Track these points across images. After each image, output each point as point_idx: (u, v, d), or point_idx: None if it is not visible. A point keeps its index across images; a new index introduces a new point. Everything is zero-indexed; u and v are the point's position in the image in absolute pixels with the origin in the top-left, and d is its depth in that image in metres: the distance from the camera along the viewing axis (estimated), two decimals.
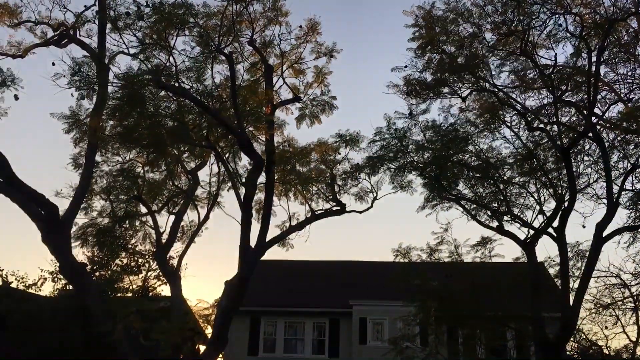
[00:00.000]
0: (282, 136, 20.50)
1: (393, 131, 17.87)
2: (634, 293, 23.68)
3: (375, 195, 22.63)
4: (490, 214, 18.43)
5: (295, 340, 33.97)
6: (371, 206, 22.43)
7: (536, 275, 18.43)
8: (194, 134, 16.64)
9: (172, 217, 21.93)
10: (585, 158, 17.70)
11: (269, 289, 34.55)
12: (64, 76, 15.97)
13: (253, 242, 18.16)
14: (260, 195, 20.99)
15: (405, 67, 16.55)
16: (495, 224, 19.54)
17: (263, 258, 37.69)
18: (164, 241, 21.62)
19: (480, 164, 18.28)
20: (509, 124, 17.98)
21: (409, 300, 22.21)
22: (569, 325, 17.00)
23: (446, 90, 16.55)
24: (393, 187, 22.79)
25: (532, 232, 18.56)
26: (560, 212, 16.74)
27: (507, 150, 18.84)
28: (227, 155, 19.04)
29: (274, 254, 51.22)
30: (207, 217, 21.77)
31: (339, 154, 22.71)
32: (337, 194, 21.94)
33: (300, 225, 21.12)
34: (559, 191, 17.57)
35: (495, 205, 18.55)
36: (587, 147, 17.18)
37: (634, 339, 23.28)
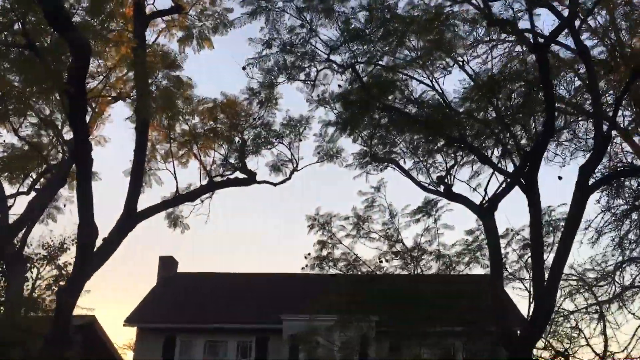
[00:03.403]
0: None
1: None
2: (600, 298, 18.44)
3: (295, 165, 17.19)
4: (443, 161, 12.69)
5: None
6: (289, 178, 16.93)
7: (496, 249, 12.94)
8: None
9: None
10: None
11: (186, 304, 28.28)
12: None
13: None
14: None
15: None
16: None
17: (180, 270, 32.07)
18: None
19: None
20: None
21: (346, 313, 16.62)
22: (543, 310, 11.43)
23: None
24: (319, 157, 17.35)
25: (490, 194, 13.13)
26: (534, 149, 11.26)
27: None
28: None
29: (193, 266, 44.13)
30: (59, 180, 15.44)
31: (253, 119, 17.25)
32: (245, 159, 16.28)
33: (193, 195, 15.24)
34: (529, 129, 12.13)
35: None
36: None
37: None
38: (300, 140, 17.25)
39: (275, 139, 17.16)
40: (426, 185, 14.20)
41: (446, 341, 17.70)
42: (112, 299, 47.76)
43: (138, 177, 13.26)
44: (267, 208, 53.99)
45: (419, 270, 14.29)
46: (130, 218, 13.07)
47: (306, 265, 15.25)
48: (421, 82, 11.99)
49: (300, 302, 27.24)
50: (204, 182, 15.34)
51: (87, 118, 15.35)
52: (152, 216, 13.99)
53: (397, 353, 19.75)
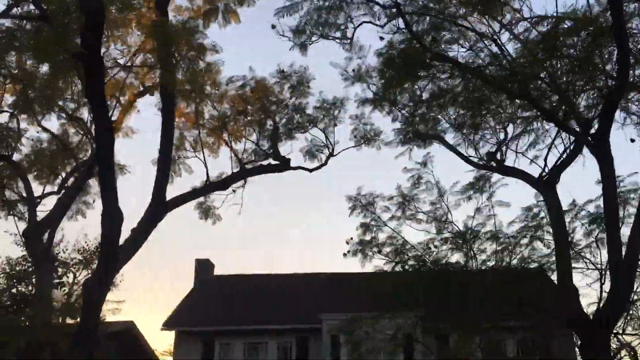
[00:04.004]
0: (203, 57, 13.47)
1: None
2: None
3: (331, 150, 16.09)
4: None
5: None
6: (325, 163, 15.83)
7: (560, 226, 11.46)
8: None
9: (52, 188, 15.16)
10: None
11: (224, 307, 27.33)
12: None
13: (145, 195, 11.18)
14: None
15: None
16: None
17: (216, 273, 31.23)
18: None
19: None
20: None
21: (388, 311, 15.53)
22: (622, 290, 9.93)
23: None
24: (356, 140, 16.25)
25: (548, 165, 11.65)
26: (606, 102, 9.69)
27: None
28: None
29: (230, 268, 42.76)
30: (87, 174, 14.61)
31: (286, 106, 16.27)
32: (278, 145, 15.23)
33: (224, 184, 14.22)
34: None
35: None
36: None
37: None
38: (335, 125, 16.17)
39: (309, 124, 16.12)
40: (475, 160, 12.83)
41: (499, 335, 16.33)
42: (150, 304, 47.20)
43: (165, 164, 12.31)
44: (302, 196, 52.55)
45: (472, 254, 12.88)
46: (159, 207, 12.10)
47: (348, 252, 13.92)
48: (478, 32, 10.55)
49: (340, 301, 26.04)
50: (236, 170, 14.31)
51: (115, 113, 14.55)
52: (181, 205, 13.04)
53: (444, 344, 18.39)
